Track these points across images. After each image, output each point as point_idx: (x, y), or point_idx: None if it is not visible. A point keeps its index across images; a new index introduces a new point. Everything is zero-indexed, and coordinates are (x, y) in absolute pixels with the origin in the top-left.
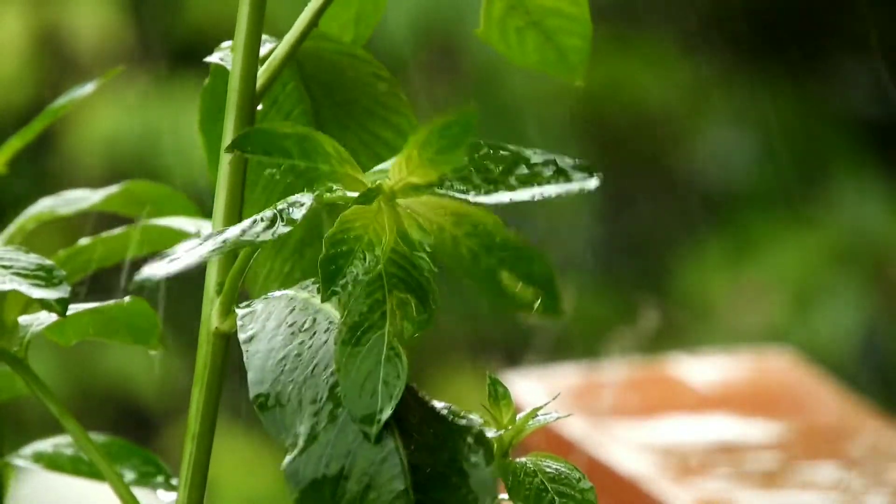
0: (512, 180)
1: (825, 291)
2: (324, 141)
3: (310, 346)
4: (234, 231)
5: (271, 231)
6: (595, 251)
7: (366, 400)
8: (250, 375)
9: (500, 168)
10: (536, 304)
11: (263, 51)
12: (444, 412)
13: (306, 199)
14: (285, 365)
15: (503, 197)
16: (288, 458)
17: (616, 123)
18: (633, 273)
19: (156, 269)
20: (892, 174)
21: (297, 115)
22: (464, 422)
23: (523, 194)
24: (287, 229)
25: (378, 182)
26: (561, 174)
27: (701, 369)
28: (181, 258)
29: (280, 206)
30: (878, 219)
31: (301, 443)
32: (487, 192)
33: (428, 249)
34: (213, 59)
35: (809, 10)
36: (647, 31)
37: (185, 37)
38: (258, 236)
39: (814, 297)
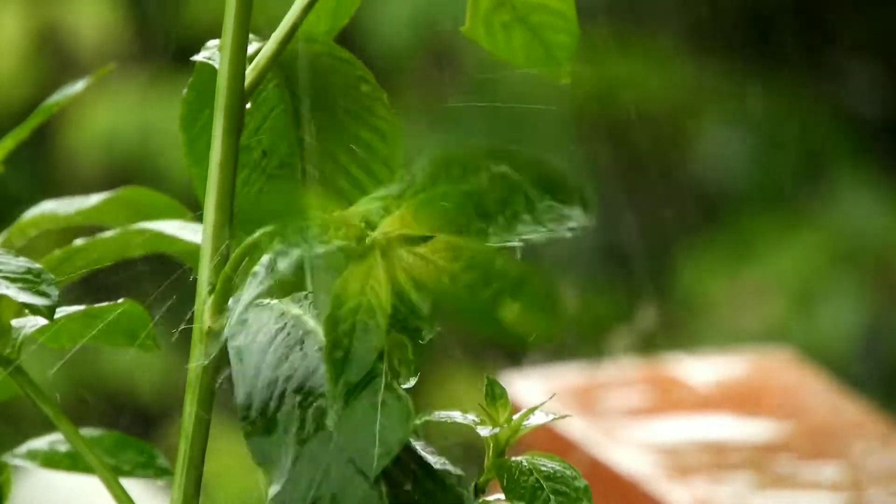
0: (509, 217)
1: (825, 291)
2: (307, 199)
3: (299, 373)
4: (247, 296)
5: (268, 282)
6: (595, 251)
7: (362, 443)
8: (239, 395)
9: (496, 206)
10: (532, 331)
11: (250, 50)
12: (436, 465)
13: (293, 252)
14: (273, 390)
15: (500, 240)
16: (272, 490)
17: (616, 123)
18: (633, 273)
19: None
20: (892, 174)
21: (276, 115)
22: (455, 479)
23: (519, 233)
24: (280, 274)
25: (371, 237)
26: (558, 217)
27: (701, 369)
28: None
29: (270, 257)
30: (878, 219)
31: (285, 476)
32: (485, 237)
33: (426, 307)
34: (200, 57)
35: (809, 10)
36: (647, 31)
37: (184, 36)
38: (261, 287)
39: (814, 297)
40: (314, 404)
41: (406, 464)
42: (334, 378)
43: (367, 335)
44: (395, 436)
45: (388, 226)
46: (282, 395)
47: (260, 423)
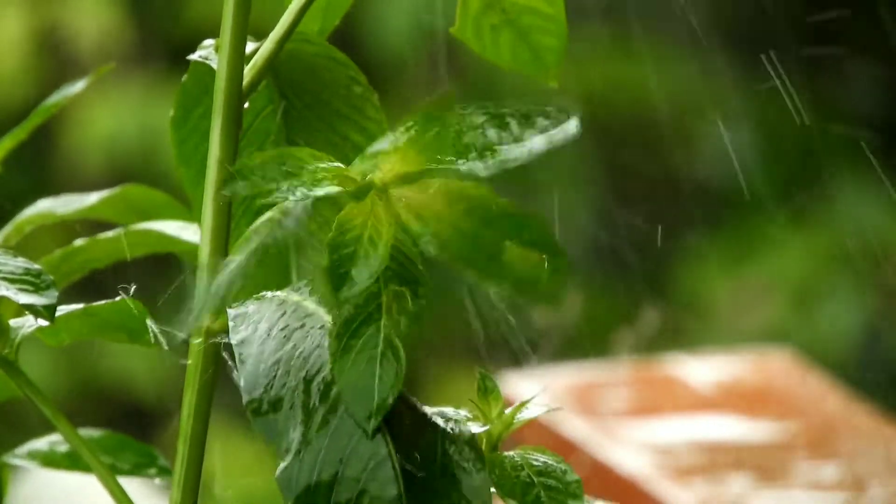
0: (496, 141)
1: (825, 291)
2: (302, 153)
3: (302, 351)
4: (239, 261)
5: (274, 241)
6: (595, 251)
7: (362, 395)
8: (242, 380)
9: (485, 138)
10: (539, 282)
11: (248, 50)
12: (436, 418)
13: (297, 204)
14: (278, 370)
15: (496, 164)
16: (281, 465)
17: (616, 123)
18: (633, 273)
19: (190, 323)
20: (893, 174)
21: (266, 114)
22: (456, 428)
23: (513, 154)
24: (293, 228)
25: (369, 177)
26: (543, 125)
27: (701, 369)
28: (207, 300)
29: (274, 214)
30: (878, 219)
31: (294, 449)
32: (479, 158)
33: (429, 240)
34: (195, 56)
35: (810, 11)
36: (647, 32)
37: (184, 36)
38: (263, 250)
39: (814, 297)
40: (319, 378)
41: (408, 418)
42: (334, 293)
43: (368, 261)
44: (390, 388)
45: (386, 167)
46: (286, 373)
47: (266, 401)
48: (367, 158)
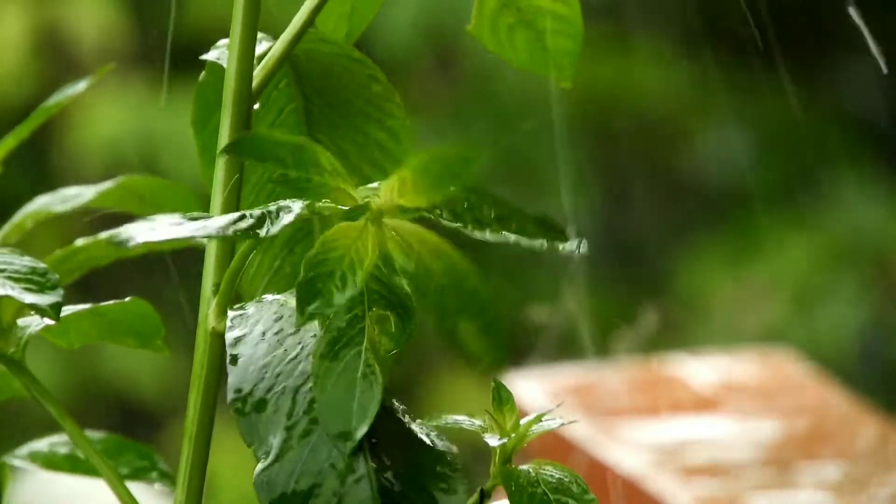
0: (499, 228)
1: (825, 291)
2: (319, 152)
3: (293, 357)
4: (218, 221)
5: (257, 231)
6: (595, 251)
7: (340, 417)
8: (230, 378)
9: (493, 215)
10: (480, 360)
11: (260, 50)
12: (421, 434)
13: (296, 205)
14: (266, 373)
15: (489, 235)
16: (259, 467)
17: (616, 123)
18: (633, 273)
19: (135, 233)
20: (893, 174)
21: (288, 112)
22: (439, 446)
23: (508, 238)
24: (274, 231)
25: (367, 200)
26: (549, 237)
27: (701, 369)
28: (162, 230)
29: (270, 207)
30: (878, 219)
31: (273, 454)
32: (475, 229)
33: (407, 275)
34: (210, 56)
35: (810, 10)
36: (647, 31)
37: (186, 36)
38: (242, 233)
39: (814, 297)
40: (306, 387)
41: (391, 434)
42: (300, 307)
43: (344, 285)
44: (369, 407)
45: (386, 195)
46: (275, 377)
47: (250, 402)
48: (374, 190)
